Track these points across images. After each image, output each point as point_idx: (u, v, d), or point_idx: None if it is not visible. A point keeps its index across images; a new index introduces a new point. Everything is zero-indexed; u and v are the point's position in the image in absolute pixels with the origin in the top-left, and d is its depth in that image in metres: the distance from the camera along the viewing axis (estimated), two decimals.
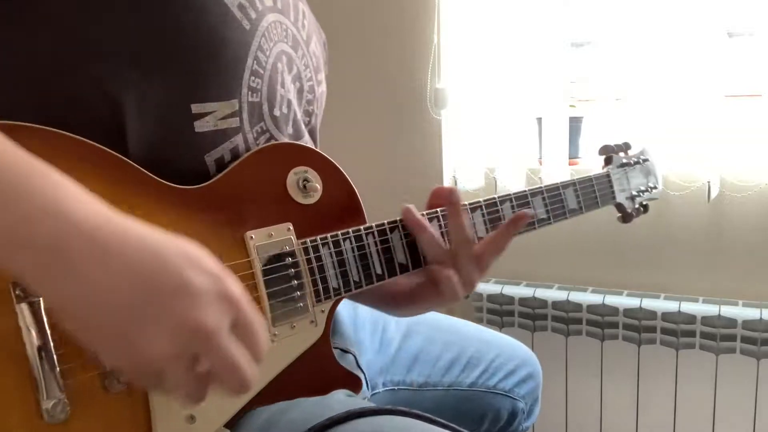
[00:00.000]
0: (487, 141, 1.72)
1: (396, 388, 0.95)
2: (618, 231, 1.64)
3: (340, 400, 0.66)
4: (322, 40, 0.91)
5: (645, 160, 1.08)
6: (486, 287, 1.71)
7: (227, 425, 0.60)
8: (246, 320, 0.49)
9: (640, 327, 1.56)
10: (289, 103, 0.73)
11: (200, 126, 0.63)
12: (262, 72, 0.68)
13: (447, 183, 1.78)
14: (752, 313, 1.47)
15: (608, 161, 1.04)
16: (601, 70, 1.59)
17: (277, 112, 0.70)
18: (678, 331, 1.53)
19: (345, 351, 0.87)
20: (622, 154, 1.06)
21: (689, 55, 1.48)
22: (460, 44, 1.70)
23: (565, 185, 0.91)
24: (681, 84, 1.51)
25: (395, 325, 1.00)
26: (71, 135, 0.54)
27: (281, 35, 0.72)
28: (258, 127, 0.68)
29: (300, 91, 0.76)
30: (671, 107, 1.53)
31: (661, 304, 1.55)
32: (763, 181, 1.50)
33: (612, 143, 1.06)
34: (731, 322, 1.48)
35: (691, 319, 1.51)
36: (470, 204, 0.80)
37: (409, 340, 1.00)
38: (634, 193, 1.04)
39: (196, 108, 0.63)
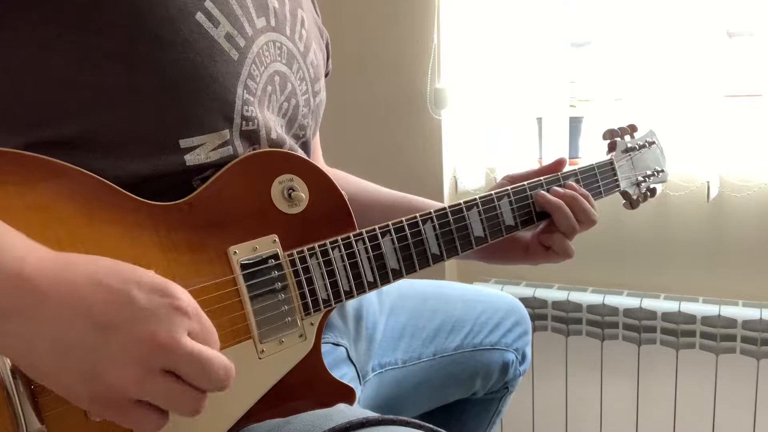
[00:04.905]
0: (487, 141, 1.72)
1: (383, 369, 0.93)
2: (618, 231, 1.65)
3: (340, 411, 0.65)
4: (324, 40, 0.89)
5: (651, 143, 1.03)
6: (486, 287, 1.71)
7: None
8: (201, 323, 0.50)
9: (640, 327, 1.56)
10: (282, 125, 0.72)
11: (191, 159, 0.62)
12: (252, 99, 0.66)
13: (447, 183, 1.78)
14: (752, 313, 1.47)
15: (612, 147, 0.99)
16: (601, 70, 1.59)
17: (274, 135, 0.69)
18: (678, 331, 1.53)
19: (336, 345, 0.86)
20: (627, 137, 1.01)
21: (689, 55, 1.48)
22: (460, 44, 1.70)
23: (566, 176, 0.89)
24: (681, 84, 1.50)
25: (378, 306, 0.98)
26: (45, 157, 0.54)
27: (275, 55, 0.70)
28: (251, 149, 0.67)
29: (296, 107, 0.75)
30: (671, 107, 1.52)
31: (661, 304, 1.55)
32: (762, 181, 1.50)
33: (617, 126, 1.00)
34: (731, 322, 1.48)
35: (691, 319, 1.51)
36: (465, 202, 0.79)
37: (393, 318, 0.98)
38: (640, 178, 1.00)
39: (184, 143, 0.61)
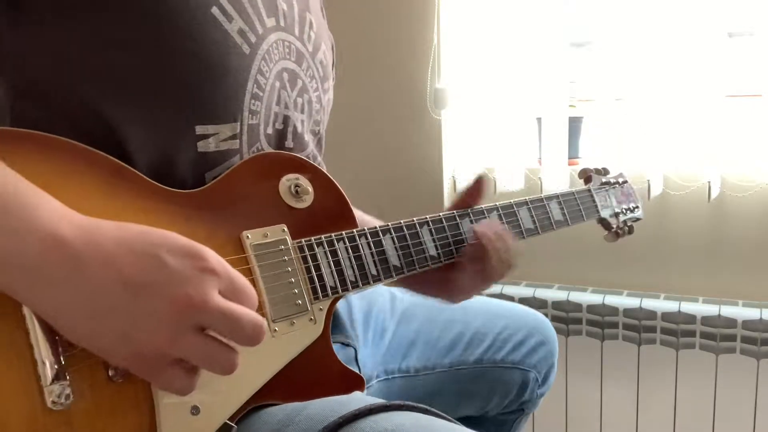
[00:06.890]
0: (486, 141, 1.72)
1: (390, 377, 0.93)
2: None
3: (358, 398, 0.65)
4: (330, 43, 0.91)
5: (624, 182, 1.09)
6: None
7: (236, 421, 0.60)
8: (232, 283, 0.52)
9: (640, 327, 1.56)
10: (285, 119, 0.73)
11: (203, 147, 0.64)
12: (261, 94, 0.69)
13: (447, 183, 1.78)
14: (752, 313, 1.47)
15: (588, 180, 1.04)
16: (601, 70, 1.59)
17: (270, 130, 0.71)
18: (678, 331, 1.53)
19: (346, 345, 0.86)
20: (600, 177, 1.07)
21: (689, 55, 1.48)
22: (460, 44, 1.70)
23: (549, 198, 0.92)
24: (681, 84, 1.51)
25: (390, 312, 0.98)
26: (65, 139, 0.55)
27: (284, 53, 0.72)
28: (254, 147, 0.69)
29: (309, 103, 0.77)
30: (671, 107, 1.53)
31: (661, 304, 1.55)
32: (763, 181, 1.50)
33: (591, 167, 1.07)
34: (731, 322, 1.48)
35: (691, 319, 1.51)
36: (444, 214, 0.82)
37: (404, 326, 0.97)
38: (617, 210, 1.05)
39: (200, 129, 0.64)
